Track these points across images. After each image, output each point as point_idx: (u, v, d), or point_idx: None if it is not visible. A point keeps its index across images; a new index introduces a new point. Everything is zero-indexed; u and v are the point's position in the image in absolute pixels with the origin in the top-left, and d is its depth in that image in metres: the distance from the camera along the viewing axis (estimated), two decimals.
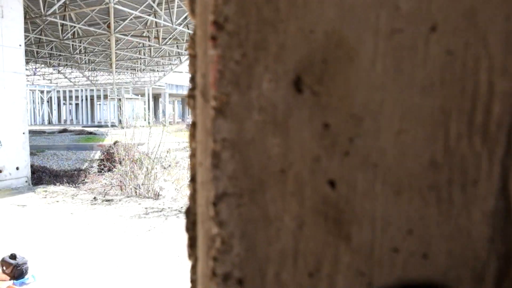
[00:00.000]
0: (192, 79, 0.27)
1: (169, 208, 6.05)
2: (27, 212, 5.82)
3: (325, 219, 0.24)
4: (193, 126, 0.27)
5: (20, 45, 8.22)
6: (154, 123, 19.31)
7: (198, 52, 0.26)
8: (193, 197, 0.28)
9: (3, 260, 3.50)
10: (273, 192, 0.24)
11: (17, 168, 7.86)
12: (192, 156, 0.28)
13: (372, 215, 0.24)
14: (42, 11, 12.48)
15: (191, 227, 0.28)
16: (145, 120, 29.69)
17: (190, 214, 0.28)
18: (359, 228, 0.24)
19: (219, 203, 0.24)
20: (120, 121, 41.62)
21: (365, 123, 0.23)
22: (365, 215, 0.24)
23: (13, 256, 3.54)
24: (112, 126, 41.53)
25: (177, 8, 14.23)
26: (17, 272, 3.41)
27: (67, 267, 3.78)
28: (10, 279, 3.37)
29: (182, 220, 5.37)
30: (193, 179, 0.28)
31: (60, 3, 12.27)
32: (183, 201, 6.42)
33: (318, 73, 0.23)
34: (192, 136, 0.27)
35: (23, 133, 8.06)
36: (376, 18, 0.23)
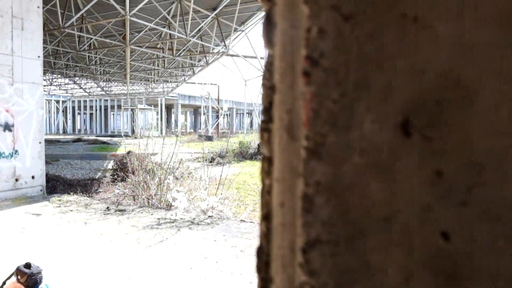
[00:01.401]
0: (267, 111, 0.25)
1: (181, 219, 6.04)
2: (41, 221, 5.86)
3: (436, 273, 0.21)
4: (267, 161, 0.25)
5: (38, 57, 8.39)
6: (167, 134, 19.47)
7: (278, 85, 0.24)
8: (266, 237, 0.25)
9: (17, 269, 3.50)
10: (375, 241, 0.21)
11: (33, 177, 7.96)
12: (267, 193, 0.25)
13: (494, 272, 0.21)
14: (61, 23, 12.78)
15: (263, 268, 0.25)
16: (157, 130, 29.99)
17: (263, 254, 0.26)
18: (479, 286, 0.21)
19: (311, 250, 0.22)
20: (133, 131, 42.11)
21: (487, 171, 0.21)
22: (485, 271, 0.21)
23: (27, 265, 3.54)
24: (125, 136, 42.01)
25: (191, 20, 14.43)
26: (31, 281, 3.41)
27: (80, 276, 3.78)
28: None
29: (195, 232, 5.35)
30: (266, 218, 0.26)
31: (78, 15, 12.55)
32: (195, 212, 6.40)
33: (430, 116, 0.21)
34: (267, 172, 0.25)
35: (40, 142, 8.18)
36: (501, 58, 0.21)
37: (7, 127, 7.59)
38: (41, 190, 8.03)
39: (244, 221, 6.01)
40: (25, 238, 5.06)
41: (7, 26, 7.75)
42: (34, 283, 3.44)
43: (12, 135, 7.67)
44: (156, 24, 14.35)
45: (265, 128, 0.26)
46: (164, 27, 15.34)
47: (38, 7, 8.38)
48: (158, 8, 13.56)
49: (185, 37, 14.66)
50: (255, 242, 4.91)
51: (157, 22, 14.70)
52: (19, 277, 3.49)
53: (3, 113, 7.54)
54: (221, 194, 6.67)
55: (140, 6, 11.73)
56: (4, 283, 3.46)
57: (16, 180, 7.68)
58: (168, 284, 3.67)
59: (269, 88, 0.25)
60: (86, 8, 12.21)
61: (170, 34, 16.28)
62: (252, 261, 4.25)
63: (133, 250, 4.58)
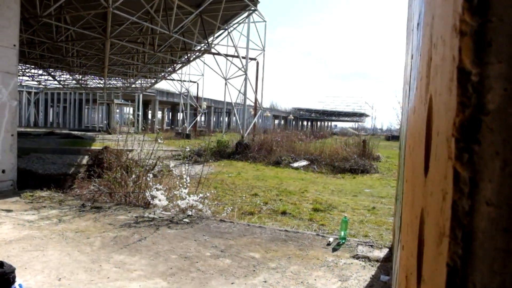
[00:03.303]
0: (468, 130, 0.22)
1: (160, 218, 5.94)
2: (12, 218, 5.63)
3: None
4: (465, 181, 0.22)
5: (14, 45, 8.07)
6: (143, 130, 19.13)
7: (490, 107, 0.21)
8: (463, 259, 0.22)
9: None
10: None
11: (3, 171, 7.63)
12: (465, 215, 0.22)
13: None
14: (38, 12, 12.33)
15: None
16: (133, 126, 29.40)
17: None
18: None
19: None
20: (108, 126, 41.16)
21: None
22: None
23: (0, 264, 3.39)
24: (100, 131, 40.99)
25: (175, 16, 14.22)
26: (3, 281, 3.27)
27: (55, 275, 3.65)
28: None
29: (174, 231, 5.27)
30: (464, 240, 0.22)
31: (57, 4, 12.14)
32: (174, 211, 6.30)
33: None
34: (467, 194, 0.22)
35: (12, 135, 7.85)
36: None
37: None
38: (11, 185, 7.71)
39: (224, 220, 5.96)
40: None
41: None
42: (6, 283, 3.30)
43: None
44: (138, 18, 14.05)
45: (466, 148, 0.24)
46: (146, 22, 15.04)
47: None
48: (142, 1, 13.29)
49: (168, 32, 14.43)
50: (236, 242, 4.88)
51: (139, 16, 14.39)
52: None
53: None
54: (201, 193, 6.59)
55: None
56: None
57: None
58: (148, 284, 3.59)
59: (472, 107, 0.23)
60: None
61: (152, 29, 15.98)
62: (233, 261, 4.21)
63: (111, 249, 4.46)
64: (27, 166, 12.41)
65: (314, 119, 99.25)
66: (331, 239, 5.07)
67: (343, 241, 5.01)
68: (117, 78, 33.70)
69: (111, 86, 38.19)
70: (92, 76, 33.20)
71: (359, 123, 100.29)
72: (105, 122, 45.66)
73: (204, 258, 4.31)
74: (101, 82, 35.53)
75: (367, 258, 4.44)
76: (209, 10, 16.38)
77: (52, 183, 8.19)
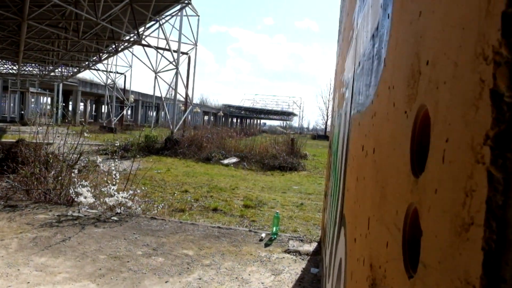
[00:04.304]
0: (505, 136, 0.26)
1: (85, 216, 5.59)
2: None
3: None
4: (497, 189, 0.26)
5: None
6: (64, 122, 17.81)
7: None
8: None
9: None
10: None
11: None
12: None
13: None
14: None
15: None
16: (51, 118, 27.16)
17: None
18: None
19: None
20: (22, 117, 37.57)
21: None
22: None
23: None
24: (12, 121, 37.24)
25: (103, 3, 13.43)
26: None
27: None
28: None
29: (102, 230, 5.01)
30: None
31: None
32: (101, 209, 5.98)
33: None
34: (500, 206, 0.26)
35: None
36: None
37: None
38: None
39: (155, 218, 5.80)
40: None
41: None
42: None
43: None
44: (61, 1, 13.00)
45: (500, 155, 0.27)
46: (70, 5, 13.97)
47: None
48: None
49: (95, 19, 13.57)
50: (169, 240, 4.79)
51: None
52: None
53: None
54: (130, 190, 6.33)
55: None
56: None
57: None
58: (75, 287, 3.38)
59: (506, 122, 0.26)
60: None
61: (76, 14, 14.90)
62: (167, 259, 4.13)
63: (30, 252, 4.10)
64: None
65: (244, 116, 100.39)
66: (263, 235, 5.20)
67: (275, 236, 5.16)
68: (33, 64, 30.85)
69: (26, 73, 34.87)
70: (4, 61, 29.99)
71: (287, 121, 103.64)
72: (20, 112, 41.60)
73: (136, 257, 4.17)
74: (15, 68, 32.28)
75: (298, 252, 4.64)
76: (140, 0, 15.75)
77: None
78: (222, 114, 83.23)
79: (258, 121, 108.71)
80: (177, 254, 4.34)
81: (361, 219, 0.90)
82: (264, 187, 10.90)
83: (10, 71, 34.80)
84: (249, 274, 3.91)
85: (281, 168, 15.21)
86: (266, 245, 4.89)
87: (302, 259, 4.48)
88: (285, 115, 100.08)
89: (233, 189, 9.96)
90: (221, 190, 9.65)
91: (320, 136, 57.90)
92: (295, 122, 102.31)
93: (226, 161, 15.81)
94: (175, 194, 8.70)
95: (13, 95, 41.85)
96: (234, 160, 16.14)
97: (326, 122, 62.97)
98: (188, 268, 3.97)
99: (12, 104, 43.40)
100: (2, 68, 33.46)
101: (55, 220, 5.30)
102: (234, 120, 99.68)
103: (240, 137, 25.30)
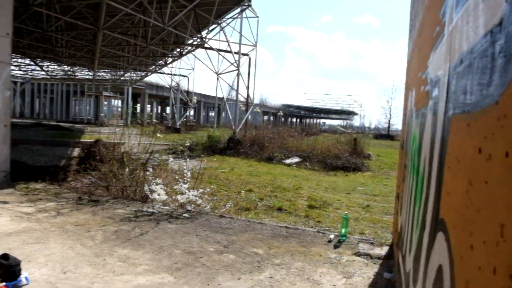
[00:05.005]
0: None
1: (159, 212, 5.91)
2: (10, 210, 5.53)
3: None
4: None
5: (7, 34, 7.88)
6: (134, 124, 18.94)
7: None
8: None
9: None
10: None
11: None
12: None
13: None
14: (30, 0, 12.06)
15: None
16: (122, 119, 29.06)
17: None
18: None
19: None
20: (96, 119, 40.62)
21: None
22: None
23: (5, 257, 3.34)
24: (88, 123, 40.44)
25: (170, 9, 14.08)
26: (9, 273, 3.22)
27: (60, 268, 3.60)
28: (2, 281, 3.18)
29: (175, 226, 5.25)
30: None
31: None
32: (173, 206, 6.28)
33: None
34: None
35: (5, 126, 7.70)
36: None
37: None
38: (5, 177, 7.56)
39: (223, 216, 5.96)
40: None
41: None
42: (12, 275, 3.26)
43: None
44: (131, 10, 13.84)
45: None
46: (139, 13, 14.83)
47: None
48: None
49: (162, 25, 14.28)
50: (238, 238, 4.90)
51: (132, 7, 14.19)
52: None
53: None
54: (200, 188, 6.57)
55: None
56: None
57: None
58: (155, 279, 3.58)
59: None
60: None
61: (144, 21, 15.78)
62: (238, 257, 4.23)
63: (113, 243, 4.43)
64: (17, 157, 12.14)
65: (303, 116, 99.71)
66: (332, 236, 5.13)
67: (344, 238, 5.07)
68: (106, 70, 33.23)
69: (100, 78, 37.66)
70: (81, 68, 32.64)
71: (348, 121, 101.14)
72: (93, 114, 45.04)
73: (208, 253, 4.32)
74: (90, 73, 35.01)
75: (369, 256, 4.51)
76: (203, 4, 16.26)
77: (43, 175, 8.05)
78: (282, 114, 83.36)
79: (318, 120, 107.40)
80: (247, 252, 4.43)
81: (483, 226, 0.86)
82: (328, 188, 10.74)
83: (86, 76, 37.80)
84: (320, 276, 3.87)
85: (344, 168, 14.89)
86: (335, 246, 4.81)
87: (374, 263, 4.35)
88: (346, 114, 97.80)
89: (296, 189, 9.94)
90: (285, 190, 9.67)
91: (383, 135, 55.84)
92: (355, 121, 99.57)
93: (288, 161, 15.82)
94: (242, 193, 8.87)
95: (88, 99, 45.34)
96: (296, 160, 16.09)
97: (389, 121, 60.50)
98: (258, 266, 4.03)
99: (88, 107, 47.08)
100: (80, 74, 36.45)
101: (132, 215, 5.66)
102: (294, 119, 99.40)
103: (301, 136, 25.18)
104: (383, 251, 4.72)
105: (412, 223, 2.53)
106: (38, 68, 32.45)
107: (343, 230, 5.12)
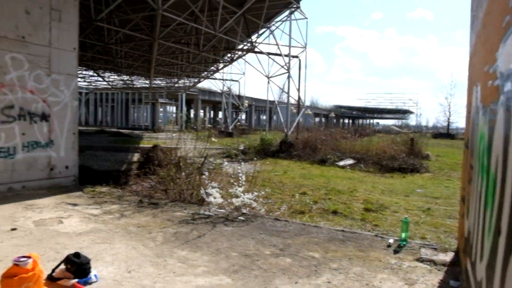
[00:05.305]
0: None
1: (215, 215, 6.03)
2: (79, 212, 5.94)
3: None
4: None
5: (74, 48, 8.50)
6: (189, 129, 19.56)
7: None
8: None
9: (67, 258, 3.55)
10: None
11: (67, 167, 8.08)
12: None
13: None
14: (93, 16, 12.92)
15: None
16: (177, 125, 30.14)
17: None
18: None
19: None
20: (153, 125, 42.54)
21: None
22: None
23: (77, 255, 3.59)
24: (146, 129, 42.47)
25: (220, 16, 14.40)
26: (81, 271, 3.45)
27: (125, 268, 3.80)
28: (74, 278, 3.41)
29: (231, 229, 5.33)
30: None
31: (110, 9, 12.66)
32: (228, 209, 6.39)
33: None
34: None
35: (74, 133, 8.30)
36: None
37: (44, 117, 7.73)
38: (74, 181, 8.15)
39: (278, 219, 5.96)
40: (66, 228, 5.13)
41: (45, 17, 7.86)
42: (83, 273, 3.48)
43: (48, 125, 7.81)
44: (184, 19, 14.35)
45: None
46: (191, 22, 15.33)
47: None
48: (187, 2, 13.56)
49: (213, 32, 14.65)
50: (294, 241, 4.86)
51: (185, 17, 14.70)
52: (68, 265, 3.54)
53: (40, 103, 7.67)
54: (255, 191, 6.63)
55: (173, 0, 11.75)
56: (53, 270, 3.51)
57: (51, 169, 7.81)
58: (213, 280, 3.65)
59: None
60: (117, 2, 12.29)
61: (196, 29, 16.28)
62: (294, 260, 4.19)
63: (172, 245, 4.59)
64: (83, 162, 13.05)
65: (355, 116, 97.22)
66: (391, 241, 4.93)
67: (404, 243, 4.85)
68: (161, 78, 34.71)
69: (156, 86, 39.42)
70: (138, 77, 34.37)
71: (403, 120, 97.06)
72: (150, 120, 47.23)
73: (264, 256, 4.33)
74: (147, 82, 36.76)
75: (432, 262, 4.27)
76: (252, 9, 16.45)
77: (107, 179, 8.56)
78: (334, 115, 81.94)
79: (371, 120, 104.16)
80: (303, 255, 4.38)
81: None
82: (384, 190, 10.35)
83: (143, 85, 39.75)
84: (380, 282, 3.73)
85: (401, 169, 14.28)
86: (395, 251, 4.61)
87: (438, 270, 4.11)
88: (400, 113, 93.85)
89: (351, 192, 9.69)
90: (339, 193, 9.47)
91: (442, 134, 52.89)
92: (411, 120, 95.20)
93: (341, 163, 15.48)
94: (296, 196, 8.82)
95: (146, 106, 47.66)
96: (350, 161, 15.71)
97: (449, 119, 57.18)
98: (316, 270, 3.97)
99: (145, 114, 49.49)
100: (137, 83, 38.44)
101: (190, 218, 5.84)
102: (346, 120, 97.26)
103: (354, 138, 24.56)
104: (448, 257, 4.44)
105: (483, 228, 2.35)
106: (100, 79, 34.69)
107: (403, 235, 4.90)
